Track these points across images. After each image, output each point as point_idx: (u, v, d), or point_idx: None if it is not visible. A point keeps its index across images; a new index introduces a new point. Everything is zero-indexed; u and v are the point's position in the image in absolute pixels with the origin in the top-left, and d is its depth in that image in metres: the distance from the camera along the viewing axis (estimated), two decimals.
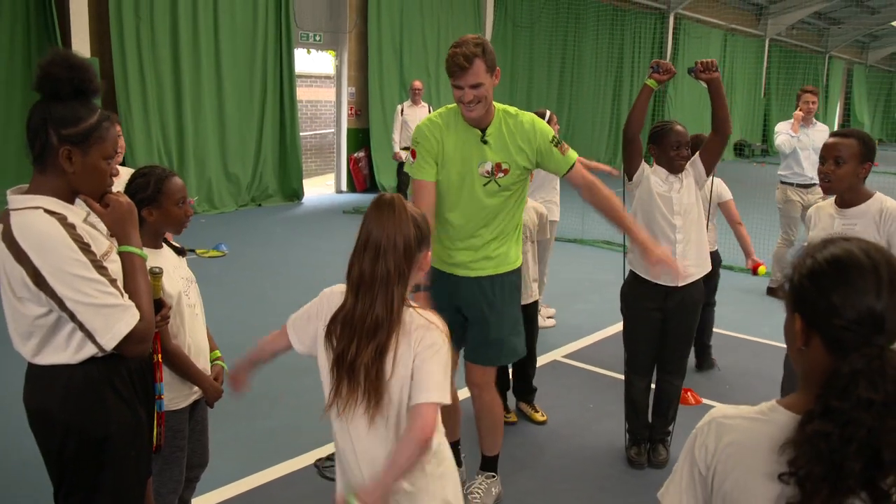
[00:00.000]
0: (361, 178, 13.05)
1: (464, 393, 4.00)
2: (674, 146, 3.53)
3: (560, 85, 16.88)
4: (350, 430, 1.95)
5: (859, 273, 1.21)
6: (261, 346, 2.25)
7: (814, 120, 6.95)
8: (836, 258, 1.24)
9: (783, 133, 6.88)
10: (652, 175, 3.61)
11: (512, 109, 3.10)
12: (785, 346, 2.88)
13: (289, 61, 11.33)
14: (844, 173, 2.89)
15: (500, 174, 3.05)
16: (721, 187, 4.81)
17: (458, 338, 3.34)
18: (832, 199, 3.01)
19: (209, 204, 10.59)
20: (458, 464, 3.47)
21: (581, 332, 5.70)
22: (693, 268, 3.64)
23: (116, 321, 1.81)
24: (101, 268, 1.81)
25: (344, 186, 13.01)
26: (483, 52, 2.89)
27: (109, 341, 1.81)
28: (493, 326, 3.16)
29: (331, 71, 13.84)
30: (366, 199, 12.22)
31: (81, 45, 8.92)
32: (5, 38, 8.42)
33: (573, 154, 3.11)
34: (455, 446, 3.54)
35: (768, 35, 23.87)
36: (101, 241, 1.91)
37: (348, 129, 12.89)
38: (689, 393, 4.62)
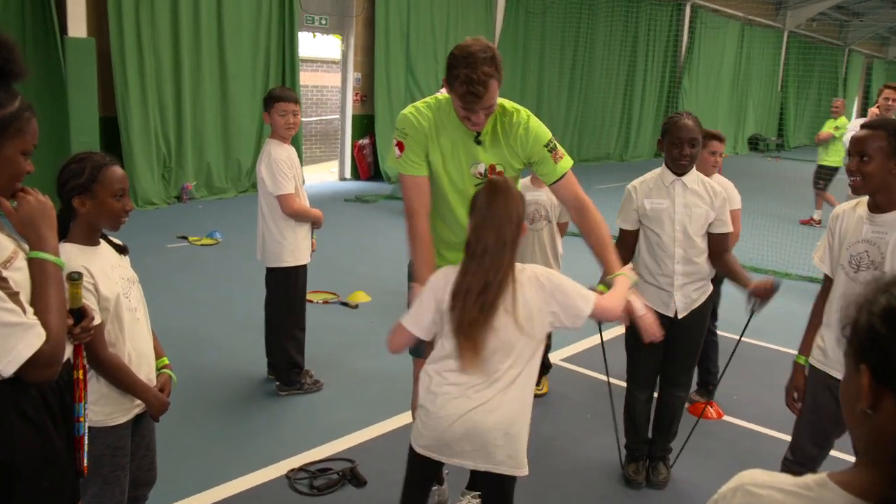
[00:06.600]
0: (365, 166, 12.77)
1: None
2: (676, 143, 3.23)
3: (571, 75, 16.50)
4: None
5: None
6: None
7: None
8: None
9: (851, 130, 6.49)
10: (646, 200, 3.34)
11: (509, 105, 2.77)
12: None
13: (292, 44, 11.02)
14: (871, 171, 2.53)
15: (494, 176, 2.77)
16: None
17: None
18: (864, 199, 2.68)
19: (208, 189, 10.33)
20: (440, 481, 3.21)
21: (581, 334, 5.37)
22: (695, 294, 3.42)
23: (17, 342, 1.55)
24: None
25: (348, 174, 12.74)
26: (496, 68, 2.51)
27: (7, 366, 1.55)
28: None
29: (337, 56, 13.55)
30: (369, 187, 11.94)
31: (78, 23, 8.67)
32: None
33: (567, 162, 2.80)
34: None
35: (787, 27, 23.42)
36: (2, 245, 1.64)
37: (353, 116, 12.61)
38: (711, 407, 4.33)
